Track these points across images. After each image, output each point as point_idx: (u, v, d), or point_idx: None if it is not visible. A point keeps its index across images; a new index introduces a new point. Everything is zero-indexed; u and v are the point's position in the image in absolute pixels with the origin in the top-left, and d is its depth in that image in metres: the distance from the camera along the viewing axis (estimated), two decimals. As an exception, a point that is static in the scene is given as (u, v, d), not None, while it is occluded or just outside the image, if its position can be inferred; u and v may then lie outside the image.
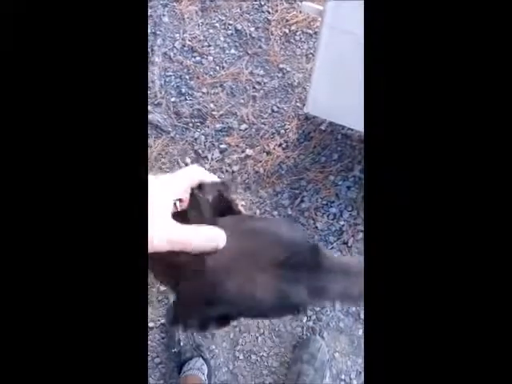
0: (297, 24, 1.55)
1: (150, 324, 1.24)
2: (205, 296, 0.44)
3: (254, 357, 1.20)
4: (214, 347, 1.21)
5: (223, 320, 0.46)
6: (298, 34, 1.54)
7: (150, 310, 1.24)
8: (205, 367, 1.09)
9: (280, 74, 1.49)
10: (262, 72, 1.49)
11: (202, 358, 1.11)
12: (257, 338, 1.21)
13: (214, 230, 0.40)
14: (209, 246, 0.39)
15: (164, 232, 0.37)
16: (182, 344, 1.12)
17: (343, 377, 1.18)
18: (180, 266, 0.43)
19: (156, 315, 1.24)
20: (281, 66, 1.50)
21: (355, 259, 0.51)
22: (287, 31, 1.54)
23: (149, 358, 1.21)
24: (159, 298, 1.25)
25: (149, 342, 1.22)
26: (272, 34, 1.54)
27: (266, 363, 1.20)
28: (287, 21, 1.56)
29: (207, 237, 0.39)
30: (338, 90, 1.17)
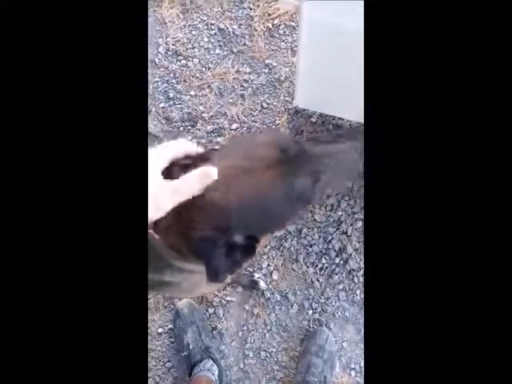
0: (279, 17, 1.54)
1: (159, 330, 1.25)
2: (219, 224, 0.47)
3: (263, 353, 1.21)
4: (223, 347, 1.22)
5: (247, 246, 0.49)
6: (281, 27, 1.53)
7: (157, 316, 1.26)
8: (215, 368, 1.10)
9: (266, 70, 1.48)
10: (248, 69, 1.49)
11: (212, 359, 1.12)
12: (265, 334, 1.22)
13: (201, 168, 0.46)
14: (204, 181, 0.45)
15: (164, 191, 0.43)
16: (190, 347, 1.13)
17: (353, 365, 1.19)
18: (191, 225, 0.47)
19: (164, 321, 1.26)
20: (267, 61, 1.49)
21: (333, 146, 0.56)
22: (270, 26, 1.53)
23: (160, 363, 1.23)
24: (165, 304, 1.26)
25: (159, 348, 1.24)
26: (255, 30, 1.53)
27: (275, 359, 1.21)
28: (269, 15, 1.55)
29: (199, 174, 0.45)
30: (324, 81, 1.17)
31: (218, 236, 0.46)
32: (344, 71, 0.98)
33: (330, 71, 1.09)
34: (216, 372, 1.09)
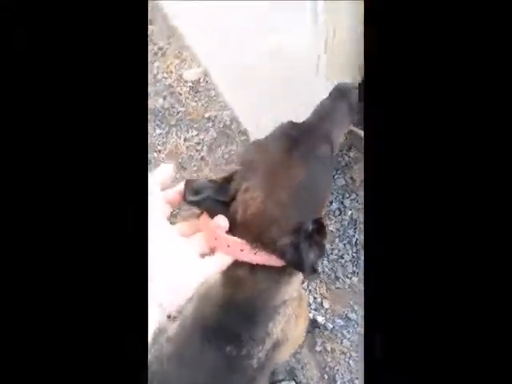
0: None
1: None
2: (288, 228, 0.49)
3: (357, 382, 1.16)
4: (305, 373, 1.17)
5: (318, 228, 0.50)
6: (201, 80, 1.53)
7: None
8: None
9: (210, 124, 1.48)
10: (194, 132, 1.48)
11: (295, 381, 1.08)
12: (348, 363, 1.18)
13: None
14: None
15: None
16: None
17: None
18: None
19: None
20: (206, 115, 1.49)
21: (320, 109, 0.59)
22: (191, 84, 1.53)
23: None
24: None
25: None
26: (180, 95, 1.53)
27: (371, 381, 1.16)
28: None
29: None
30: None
31: (295, 236, 0.48)
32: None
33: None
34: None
